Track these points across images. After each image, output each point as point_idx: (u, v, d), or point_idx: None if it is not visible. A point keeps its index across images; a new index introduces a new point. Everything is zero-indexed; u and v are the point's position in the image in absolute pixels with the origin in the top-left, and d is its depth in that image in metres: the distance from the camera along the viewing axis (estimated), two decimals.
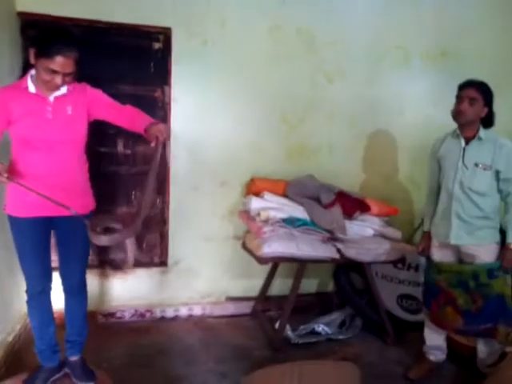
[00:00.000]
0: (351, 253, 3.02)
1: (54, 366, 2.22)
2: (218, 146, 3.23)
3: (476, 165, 2.43)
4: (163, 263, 3.25)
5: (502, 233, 2.48)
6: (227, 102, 3.20)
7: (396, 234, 3.23)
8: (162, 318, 3.28)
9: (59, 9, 2.77)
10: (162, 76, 3.04)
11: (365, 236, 3.15)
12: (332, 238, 3.07)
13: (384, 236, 3.20)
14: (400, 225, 3.39)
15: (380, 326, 3.20)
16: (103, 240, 1.89)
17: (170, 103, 3.08)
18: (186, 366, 2.71)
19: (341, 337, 3.16)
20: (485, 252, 2.44)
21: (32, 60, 1.87)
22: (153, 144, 1.93)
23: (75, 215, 1.92)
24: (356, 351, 3.02)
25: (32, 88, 1.93)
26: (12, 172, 1.93)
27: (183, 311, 3.34)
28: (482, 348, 2.63)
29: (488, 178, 2.42)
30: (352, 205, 3.18)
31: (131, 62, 2.99)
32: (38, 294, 2.14)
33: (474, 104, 2.39)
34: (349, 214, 3.15)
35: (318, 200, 3.10)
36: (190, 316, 3.35)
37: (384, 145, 3.59)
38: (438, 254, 2.62)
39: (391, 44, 3.47)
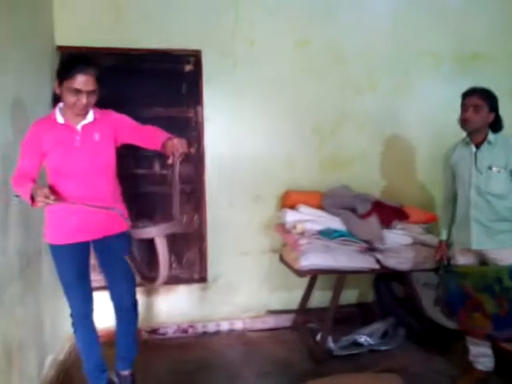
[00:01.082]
0: (390, 262, 2.99)
1: None
2: (252, 161, 3.28)
3: (490, 168, 2.42)
4: (203, 279, 3.31)
5: None
6: (259, 118, 3.26)
7: (435, 240, 3.13)
8: (204, 334, 3.34)
9: (95, 40, 2.92)
10: (194, 97, 3.13)
11: (404, 244, 3.10)
12: (370, 248, 3.05)
13: (423, 243, 3.13)
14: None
15: (424, 336, 3.13)
16: (152, 231, 1.90)
17: (202, 123, 3.17)
18: (228, 381, 2.74)
19: (384, 347, 3.11)
20: (507, 255, 2.41)
21: (57, 89, 1.99)
22: (170, 161, 1.92)
23: (120, 216, 1.98)
24: (400, 362, 2.95)
25: (60, 119, 2.03)
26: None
27: (224, 326, 3.38)
28: None
29: (503, 180, 2.41)
30: (389, 213, 3.15)
31: (164, 85, 3.09)
32: (82, 317, 2.22)
33: (479, 111, 2.40)
34: (386, 223, 3.11)
35: (354, 210, 3.09)
36: (232, 330, 3.39)
37: (416, 153, 3.55)
38: (462, 260, 2.60)
39: (419, 51, 3.45)
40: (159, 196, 3.13)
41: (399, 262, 2.99)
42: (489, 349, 2.66)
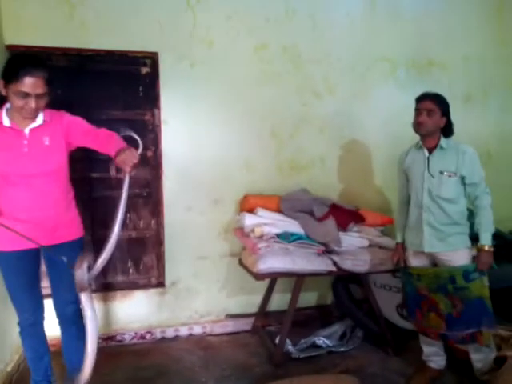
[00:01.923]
0: (347, 264, 3.03)
1: None
2: (210, 164, 3.26)
3: (441, 172, 2.50)
4: (161, 284, 3.26)
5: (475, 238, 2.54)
6: (217, 121, 3.25)
7: (392, 243, 3.21)
8: (163, 339, 3.29)
9: (47, 40, 2.84)
10: (151, 99, 3.09)
11: (360, 247, 3.16)
12: (327, 250, 3.08)
13: (380, 246, 3.20)
14: None
15: (381, 337, 3.19)
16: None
17: (160, 125, 3.13)
18: None
19: (342, 349, 3.15)
20: (458, 257, 2.50)
21: (2, 91, 1.88)
22: (121, 175, 1.86)
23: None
24: (358, 363, 3.00)
25: (6, 121, 1.93)
26: None
27: (183, 331, 3.34)
28: (475, 357, 2.63)
29: (454, 185, 2.50)
30: (346, 216, 3.20)
31: (121, 87, 3.04)
32: (30, 326, 2.14)
33: (431, 115, 2.48)
34: (343, 226, 3.16)
35: (311, 213, 3.12)
36: (191, 335, 3.35)
37: (374, 156, 3.63)
38: (415, 262, 2.68)
39: (376, 56, 3.53)
40: (115, 200, 3.05)
41: (356, 264, 3.04)
42: (441, 348, 2.74)
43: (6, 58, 2.73)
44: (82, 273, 1.67)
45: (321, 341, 3.18)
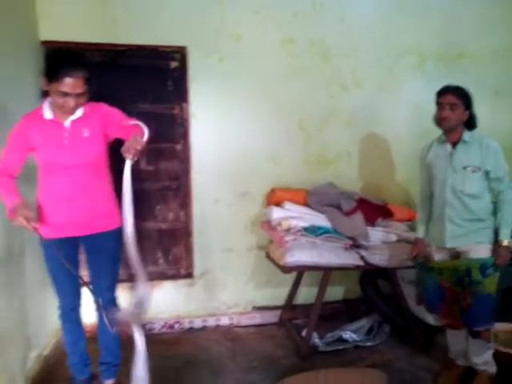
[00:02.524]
0: (375, 259, 3.02)
1: (86, 378, 2.30)
2: (238, 158, 3.29)
3: (465, 168, 2.45)
4: (189, 275, 3.32)
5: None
6: (245, 114, 3.27)
7: None
8: (191, 329, 3.35)
9: (80, 35, 2.92)
10: (180, 93, 3.14)
11: (388, 242, 3.14)
12: (355, 244, 3.08)
13: (408, 241, 3.16)
14: None
15: (408, 332, 3.17)
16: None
17: (188, 119, 3.17)
18: (214, 375, 2.75)
19: (369, 344, 3.14)
20: (479, 250, 2.45)
21: (44, 87, 1.94)
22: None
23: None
24: (385, 358, 2.99)
25: (48, 114, 2.00)
26: (39, 198, 2.06)
27: (211, 322, 3.40)
28: (475, 351, 2.58)
29: (478, 180, 2.44)
30: (374, 211, 3.18)
31: (150, 82, 3.10)
32: (69, 311, 2.22)
33: (454, 109, 2.42)
34: (371, 221, 3.15)
35: (339, 207, 3.12)
36: (218, 326, 3.40)
37: (401, 150, 3.58)
38: (437, 257, 2.62)
39: (404, 49, 3.48)
40: (145, 192, 3.13)
41: (383, 259, 3.02)
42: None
43: (42, 53, 2.87)
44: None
45: (347, 335, 3.17)
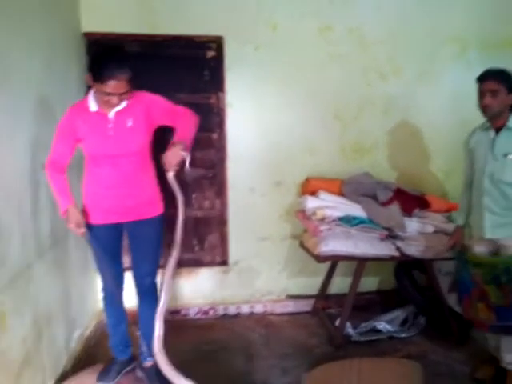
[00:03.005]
0: (411, 250, 2.98)
1: (126, 359, 2.39)
2: (273, 147, 3.30)
3: (505, 155, 2.33)
4: (224, 262, 3.38)
5: None
6: (280, 103, 3.27)
7: None
8: (225, 316, 3.41)
9: (120, 27, 2.98)
10: (217, 83, 3.16)
11: (425, 233, 3.08)
12: (391, 235, 3.04)
13: (445, 232, 3.10)
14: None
15: (444, 325, 3.12)
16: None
17: (224, 109, 3.20)
18: (248, 361, 2.80)
19: (403, 335, 3.12)
20: None
21: (89, 83, 1.99)
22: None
23: None
24: (420, 350, 2.96)
25: (93, 107, 2.05)
26: (85, 185, 2.15)
27: (245, 309, 3.45)
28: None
29: None
30: (411, 201, 3.13)
31: (187, 72, 3.13)
32: (112, 294, 2.29)
33: (496, 96, 2.30)
34: (408, 211, 3.10)
35: (374, 198, 3.09)
36: (252, 313, 3.45)
37: (440, 140, 3.48)
38: (478, 248, 2.52)
39: (445, 36, 3.38)
40: (181, 181, 3.17)
41: (420, 250, 2.98)
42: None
43: (84, 45, 2.95)
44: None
45: (381, 325, 3.15)
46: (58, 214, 2.12)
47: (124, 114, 2.07)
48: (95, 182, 2.13)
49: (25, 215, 2.05)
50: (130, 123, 2.07)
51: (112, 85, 1.90)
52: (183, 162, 1.98)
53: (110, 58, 1.94)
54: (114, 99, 1.95)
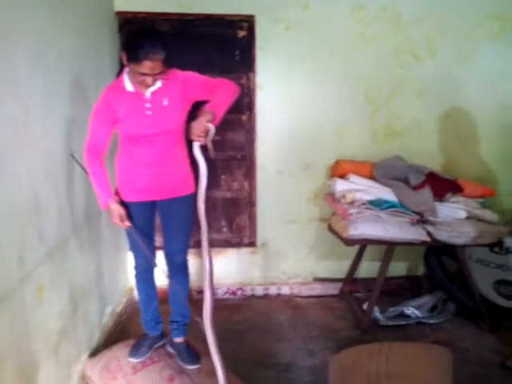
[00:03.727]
0: (442, 235, 2.93)
1: (157, 335, 2.43)
2: (303, 129, 3.27)
3: None
4: (252, 244, 3.39)
5: None
6: (311, 85, 3.22)
7: (492, 216, 3.03)
8: (252, 296, 3.44)
9: (151, 5, 2.97)
10: (247, 63, 3.13)
11: (457, 218, 3.02)
12: (422, 220, 2.99)
13: (478, 218, 3.03)
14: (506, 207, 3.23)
15: (474, 312, 3.08)
16: None
17: (254, 89, 3.17)
18: (275, 342, 2.82)
19: (432, 321, 3.09)
20: None
21: (124, 62, 1.98)
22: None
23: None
24: (448, 336, 2.93)
25: (130, 87, 2.03)
26: (120, 164, 2.17)
27: (272, 290, 3.47)
28: None
29: None
30: (443, 186, 3.06)
31: (218, 51, 3.11)
32: (144, 271, 2.33)
33: None
34: (440, 196, 3.03)
35: (406, 181, 3.04)
36: (279, 295, 3.47)
37: (478, 123, 3.38)
38: None
39: (484, 14, 3.23)
40: (211, 162, 3.15)
41: (452, 235, 2.92)
42: None
43: (116, 24, 2.96)
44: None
45: (410, 311, 3.13)
46: (95, 200, 2.15)
47: (160, 93, 2.06)
48: (131, 161, 2.12)
49: (61, 193, 2.10)
50: (165, 102, 2.07)
51: (147, 65, 1.89)
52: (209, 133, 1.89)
53: (146, 38, 1.90)
54: (149, 79, 1.94)
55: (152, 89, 2.03)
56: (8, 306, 1.58)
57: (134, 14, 2.94)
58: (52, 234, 1.97)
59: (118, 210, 2.08)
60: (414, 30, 3.22)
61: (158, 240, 2.44)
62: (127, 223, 2.09)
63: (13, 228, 1.63)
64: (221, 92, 2.03)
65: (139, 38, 1.90)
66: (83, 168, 2.16)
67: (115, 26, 2.98)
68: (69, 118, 2.19)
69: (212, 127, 1.87)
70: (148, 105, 2.05)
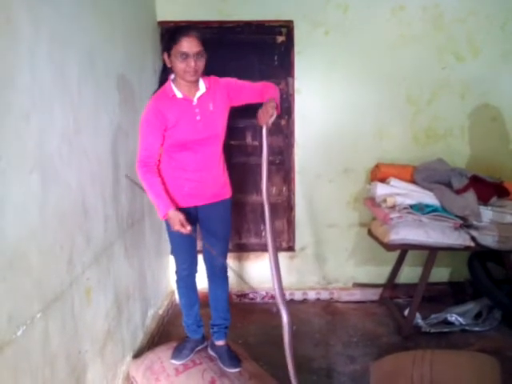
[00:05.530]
0: (487, 240, 2.84)
1: (199, 338, 2.46)
2: (342, 132, 3.25)
3: None
4: (291, 248, 3.39)
5: None
6: (350, 88, 3.21)
7: None
8: (291, 301, 3.42)
9: (192, 14, 3.04)
10: (286, 68, 3.15)
11: (503, 223, 2.92)
12: (465, 224, 2.92)
13: None
14: None
15: None
16: None
17: (293, 94, 3.18)
18: (314, 347, 2.81)
19: (477, 328, 2.99)
20: None
21: (167, 62, 2.05)
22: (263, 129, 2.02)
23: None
24: (495, 345, 2.82)
25: (178, 93, 2.08)
26: (165, 172, 2.17)
27: (311, 295, 3.45)
28: None
29: None
30: (487, 189, 2.97)
31: (257, 57, 3.14)
32: (186, 276, 2.36)
33: None
34: (484, 200, 2.94)
35: (449, 185, 2.96)
36: (318, 300, 3.45)
37: None
38: None
39: None
40: (250, 166, 3.23)
41: (497, 240, 2.83)
42: None
43: (159, 33, 3.04)
44: None
45: (453, 318, 3.05)
46: (138, 205, 2.20)
47: (205, 98, 2.11)
48: (179, 168, 2.15)
49: (107, 198, 2.16)
50: (211, 107, 2.12)
51: (186, 42, 1.96)
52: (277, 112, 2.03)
53: (180, 26, 2.12)
54: (191, 61, 1.98)
55: (198, 94, 2.09)
56: (59, 308, 1.65)
57: (176, 23, 3.00)
58: (99, 238, 2.04)
59: (177, 216, 2.04)
60: (456, 29, 3.15)
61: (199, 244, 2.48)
62: (188, 227, 2.05)
63: (63, 232, 1.70)
64: (268, 90, 2.13)
65: (174, 28, 2.11)
66: (139, 185, 2.20)
67: (157, 35, 3.07)
68: (115, 125, 2.28)
69: (274, 113, 2.00)
70: (197, 110, 2.10)
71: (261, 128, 2.02)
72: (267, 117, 1.97)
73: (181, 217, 2.04)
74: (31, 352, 1.44)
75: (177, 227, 2.04)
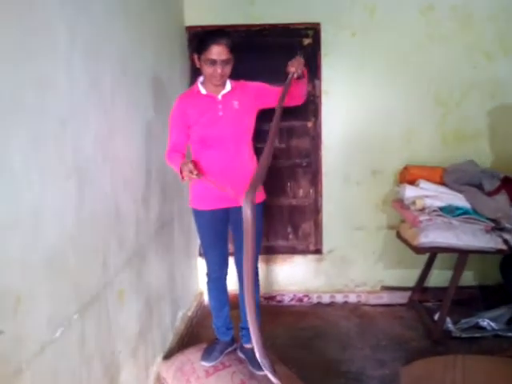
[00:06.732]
0: None
1: (228, 340, 2.48)
2: (369, 135, 3.23)
3: None
4: (318, 251, 3.38)
5: None
6: (378, 90, 3.18)
7: None
8: (319, 304, 3.42)
9: (220, 18, 3.07)
10: (313, 70, 3.13)
11: None
12: (497, 227, 2.85)
13: None
14: None
15: None
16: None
17: (320, 96, 3.18)
18: (342, 350, 2.80)
19: (510, 334, 2.92)
20: None
21: (197, 63, 2.13)
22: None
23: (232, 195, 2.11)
24: None
25: (203, 90, 2.17)
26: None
27: (339, 298, 3.44)
28: None
29: None
30: None
31: (283, 60, 3.10)
32: (216, 279, 2.38)
33: None
34: None
35: (480, 187, 2.91)
36: (346, 303, 3.43)
37: None
38: None
39: None
40: (277, 169, 3.23)
41: None
42: None
43: (186, 38, 3.09)
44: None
45: (485, 322, 2.98)
46: (168, 208, 2.22)
47: (230, 96, 2.17)
48: (205, 168, 2.18)
49: (138, 202, 2.21)
50: (236, 105, 2.17)
51: (215, 51, 2.03)
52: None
53: (211, 31, 2.12)
54: (218, 68, 2.05)
55: (223, 92, 2.16)
56: (94, 310, 1.69)
57: (203, 27, 3.03)
58: (131, 242, 2.09)
59: (186, 165, 2.02)
60: (486, 28, 3.11)
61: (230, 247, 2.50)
62: (195, 172, 2.00)
63: (98, 235, 1.75)
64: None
65: (205, 33, 2.14)
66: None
67: (185, 39, 3.11)
68: (146, 130, 2.32)
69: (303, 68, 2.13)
70: (220, 106, 2.16)
71: (286, 76, 2.09)
72: (298, 64, 2.08)
73: (190, 165, 2.02)
74: (69, 352, 1.49)
75: (185, 173, 2.02)
